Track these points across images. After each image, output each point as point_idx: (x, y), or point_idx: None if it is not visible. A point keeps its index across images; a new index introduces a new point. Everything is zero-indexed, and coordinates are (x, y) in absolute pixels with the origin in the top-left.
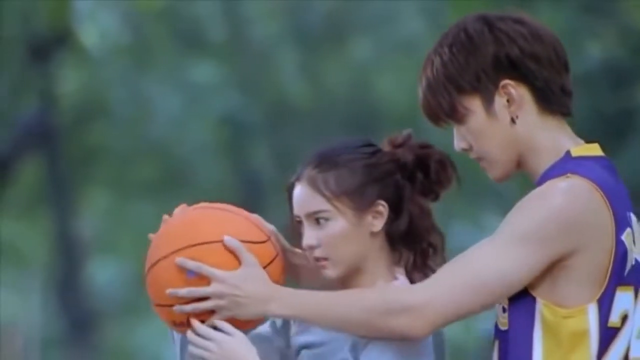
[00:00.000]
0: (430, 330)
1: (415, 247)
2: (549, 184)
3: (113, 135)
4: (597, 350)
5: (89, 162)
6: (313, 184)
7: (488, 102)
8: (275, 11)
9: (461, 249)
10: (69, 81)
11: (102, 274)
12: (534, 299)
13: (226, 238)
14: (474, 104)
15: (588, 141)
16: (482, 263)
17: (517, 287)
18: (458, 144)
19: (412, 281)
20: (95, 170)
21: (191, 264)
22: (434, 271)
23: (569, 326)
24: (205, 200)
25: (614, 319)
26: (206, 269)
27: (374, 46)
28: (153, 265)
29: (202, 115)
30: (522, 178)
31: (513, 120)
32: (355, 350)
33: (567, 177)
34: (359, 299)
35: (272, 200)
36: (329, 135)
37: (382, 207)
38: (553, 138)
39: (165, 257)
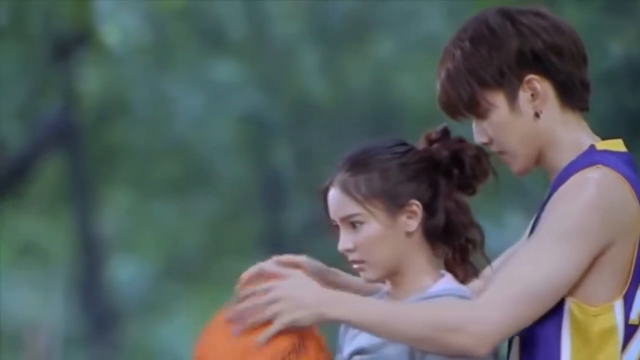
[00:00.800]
0: (490, 347)
1: (454, 243)
2: (579, 176)
3: (135, 134)
4: (621, 348)
5: (110, 160)
6: (345, 188)
7: (512, 97)
8: (297, 10)
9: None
10: (90, 80)
11: (124, 273)
12: (562, 298)
13: (264, 264)
14: (497, 99)
15: (609, 138)
16: (530, 272)
17: (568, 286)
18: (478, 138)
19: (455, 276)
20: (117, 169)
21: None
22: (474, 267)
23: (598, 324)
24: (226, 200)
25: (633, 317)
26: (270, 271)
27: (396, 44)
28: None
29: (223, 114)
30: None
31: (537, 115)
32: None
33: (598, 167)
34: (421, 313)
35: (293, 198)
36: (350, 134)
37: (416, 206)
38: (574, 133)
39: None
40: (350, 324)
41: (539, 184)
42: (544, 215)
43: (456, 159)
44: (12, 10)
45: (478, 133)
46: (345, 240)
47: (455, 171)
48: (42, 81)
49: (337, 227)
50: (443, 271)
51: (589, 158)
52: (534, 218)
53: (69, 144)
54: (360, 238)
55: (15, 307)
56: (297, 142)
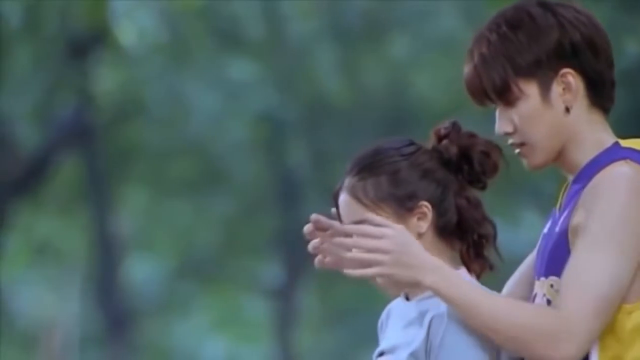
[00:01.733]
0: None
1: (467, 239)
2: (610, 172)
3: (150, 133)
4: None
5: (126, 159)
6: (353, 194)
7: (545, 89)
8: (313, 9)
9: (500, 246)
10: (106, 79)
11: (140, 272)
12: None
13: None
14: (530, 88)
15: (626, 136)
16: (596, 278)
17: (628, 285)
18: (502, 127)
19: (470, 270)
20: (133, 168)
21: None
22: (488, 261)
23: (631, 321)
24: (240, 199)
25: None
26: (378, 219)
27: (412, 44)
28: None
29: (239, 113)
30: (561, 174)
31: (567, 110)
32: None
33: (627, 162)
34: (511, 312)
35: (308, 197)
36: (366, 133)
37: (426, 208)
38: (597, 131)
39: None
40: (443, 298)
41: (553, 183)
42: (584, 214)
43: (465, 154)
44: (27, 11)
45: (502, 121)
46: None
47: (465, 167)
48: (58, 81)
49: None
50: (459, 266)
51: (616, 153)
52: (563, 214)
53: (85, 144)
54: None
55: (31, 306)
56: (312, 141)
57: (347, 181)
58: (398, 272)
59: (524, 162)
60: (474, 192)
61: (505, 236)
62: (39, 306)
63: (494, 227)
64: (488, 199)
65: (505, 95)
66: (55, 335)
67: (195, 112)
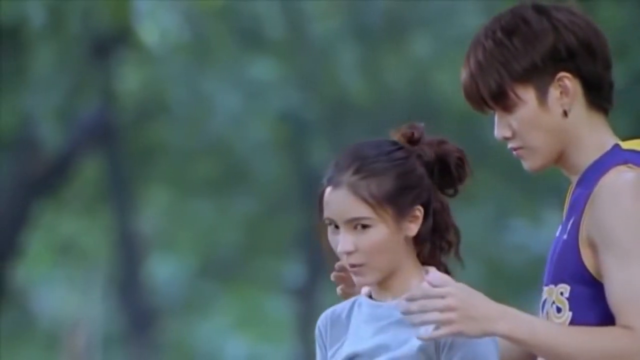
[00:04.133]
0: None
1: (435, 244)
2: (615, 177)
3: (173, 133)
4: None
5: (149, 159)
6: (355, 191)
7: (542, 93)
8: (335, 8)
9: (520, 245)
10: (129, 79)
11: (162, 271)
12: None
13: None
14: (527, 94)
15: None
16: None
17: None
18: (501, 132)
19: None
20: (155, 167)
21: (429, 279)
22: (445, 266)
23: None
24: (263, 198)
25: None
26: (439, 280)
27: (433, 43)
28: None
29: (261, 113)
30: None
31: (565, 113)
32: None
33: (629, 166)
34: (590, 339)
35: None
36: (388, 132)
37: (419, 211)
38: (598, 133)
39: None
40: (516, 342)
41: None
42: (598, 228)
43: (442, 160)
44: (51, 11)
45: (501, 127)
46: (347, 243)
47: (439, 172)
48: (81, 81)
49: (332, 226)
50: (428, 267)
51: (618, 156)
52: (570, 220)
53: (108, 144)
54: (365, 242)
55: (54, 306)
56: (334, 141)
57: (345, 178)
58: (468, 326)
59: (524, 164)
60: (445, 198)
61: (527, 235)
62: (62, 306)
63: (459, 235)
64: (511, 198)
65: (502, 101)
66: (78, 335)
67: (217, 111)
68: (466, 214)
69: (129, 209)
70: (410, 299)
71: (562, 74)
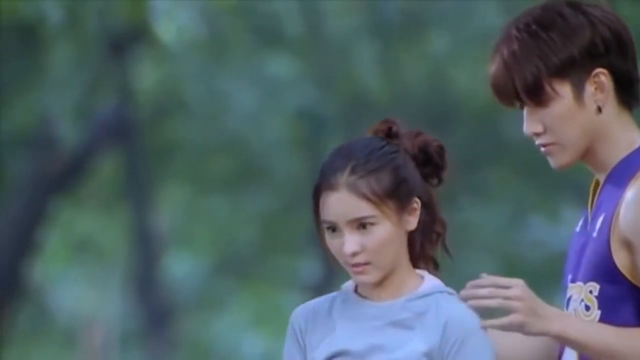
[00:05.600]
0: None
1: (425, 237)
2: None
3: (190, 130)
4: None
5: (166, 157)
6: (356, 191)
7: (579, 89)
8: (352, 5)
9: (538, 242)
10: (146, 77)
11: (179, 268)
12: None
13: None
14: (563, 89)
15: None
16: None
17: None
18: (531, 127)
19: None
20: (172, 165)
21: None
22: (434, 261)
23: None
24: (279, 196)
25: None
26: (503, 278)
27: (451, 40)
28: None
29: (278, 110)
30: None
31: (599, 110)
32: None
33: None
34: None
35: None
36: (405, 128)
37: (416, 203)
38: (627, 130)
39: None
40: (569, 342)
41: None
42: (633, 222)
43: (423, 151)
44: (68, 9)
45: (532, 122)
46: (353, 243)
47: (422, 163)
48: (98, 79)
49: (331, 229)
50: (423, 273)
51: None
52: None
53: (125, 141)
54: (372, 240)
55: (71, 303)
56: (351, 138)
57: (343, 179)
58: (530, 320)
59: (551, 161)
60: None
61: (545, 232)
62: (79, 303)
63: (445, 226)
64: (528, 195)
65: (537, 95)
66: (95, 332)
67: (234, 108)
68: (484, 211)
69: (146, 206)
70: (478, 286)
71: (598, 69)
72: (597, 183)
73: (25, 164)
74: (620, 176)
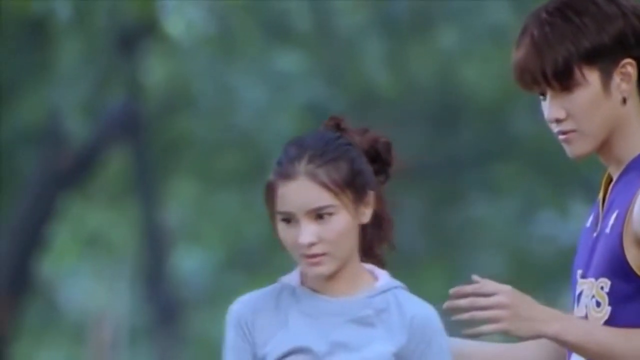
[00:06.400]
0: None
1: (375, 232)
2: None
3: (199, 126)
4: None
5: (174, 152)
6: (315, 179)
7: (607, 77)
8: (361, 1)
9: (548, 237)
10: (155, 72)
11: (188, 263)
12: None
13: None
14: (592, 76)
15: None
16: None
17: None
18: (554, 113)
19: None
20: (181, 160)
21: (477, 279)
22: (381, 259)
23: None
24: None
25: None
26: (485, 280)
27: (459, 35)
28: None
29: (287, 106)
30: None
31: (624, 101)
32: None
33: None
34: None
35: None
36: (414, 124)
37: (371, 196)
38: None
39: None
40: (567, 344)
41: (602, 174)
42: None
43: (371, 146)
44: (77, 4)
45: (555, 107)
46: (309, 234)
47: (370, 159)
48: (107, 74)
49: (285, 220)
50: (375, 270)
51: None
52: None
53: (134, 137)
54: (330, 230)
55: (80, 298)
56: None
57: (301, 168)
58: (519, 325)
59: (568, 149)
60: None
61: (555, 227)
62: (88, 298)
63: (392, 223)
64: (538, 190)
65: (565, 79)
66: (104, 327)
67: (243, 104)
68: (493, 207)
69: (154, 201)
70: (460, 295)
71: (626, 60)
72: (610, 178)
73: (34, 160)
74: (635, 173)
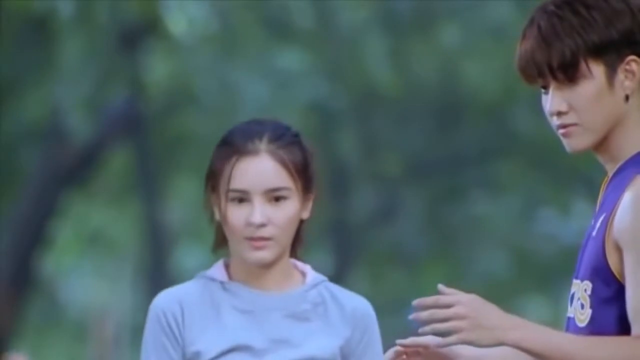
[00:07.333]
0: None
1: (302, 232)
2: None
3: (201, 123)
4: None
5: (176, 149)
6: (278, 158)
7: (612, 73)
8: None
9: (549, 236)
10: (157, 70)
11: (189, 261)
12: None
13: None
14: (597, 69)
15: None
16: None
17: None
18: (556, 105)
19: None
20: (183, 157)
21: (442, 289)
22: (299, 259)
23: None
24: None
25: None
26: (449, 291)
27: (462, 33)
28: None
29: (289, 103)
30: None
31: (627, 98)
32: None
33: None
34: (606, 348)
35: (358, 186)
36: (416, 122)
37: (314, 195)
38: None
39: None
40: (528, 352)
41: (604, 172)
42: (623, 225)
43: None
44: (79, 2)
45: (557, 100)
46: (262, 214)
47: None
48: (109, 71)
49: (238, 200)
50: (304, 266)
51: None
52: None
53: (136, 134)
54: (281, 215)
55: (82, 296)
56: (362, 131)
57: (263, 146)
58: (479, 334)
59: (567, 143)
60: None
61: (556, 226)
62: (90, 296)
63: (305, 228)
64: (540, 189)
65: (570, 71)
66: (106, 324)
67: (245, 101)
68: (495, 205)
69: (156, 199)
70: (421, 306)
71: (631, 57)
72: (608, 179)
73: (37, 157)
74: (625, 175)
